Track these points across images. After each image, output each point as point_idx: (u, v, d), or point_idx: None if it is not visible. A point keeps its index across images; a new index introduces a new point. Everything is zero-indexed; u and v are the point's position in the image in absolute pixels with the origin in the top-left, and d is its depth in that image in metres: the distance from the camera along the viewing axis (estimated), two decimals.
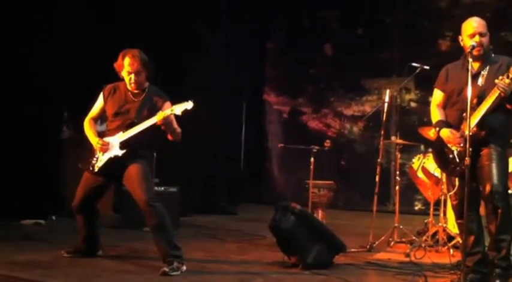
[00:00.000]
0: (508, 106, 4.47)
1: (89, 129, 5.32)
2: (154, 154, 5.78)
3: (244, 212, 9.88)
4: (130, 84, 5.17)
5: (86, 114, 9.11)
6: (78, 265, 5.22)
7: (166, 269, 4.83)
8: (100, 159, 5.17)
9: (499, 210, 4.36)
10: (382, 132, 6.63)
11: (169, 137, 5.12)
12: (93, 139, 5.21)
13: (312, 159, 7.42)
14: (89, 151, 5.26)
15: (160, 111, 4.96)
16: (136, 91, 5.23)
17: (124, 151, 5.07)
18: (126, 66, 5.13)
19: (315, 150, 7.47)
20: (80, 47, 8.58)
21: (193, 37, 9.29)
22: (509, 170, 4.79)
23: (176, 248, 5.06)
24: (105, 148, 5.13)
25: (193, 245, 6.35)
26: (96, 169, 5.19)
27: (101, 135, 5.31)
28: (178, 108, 4.91)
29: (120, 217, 7.82)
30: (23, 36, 7.84)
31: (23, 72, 7.90)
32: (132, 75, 5.13)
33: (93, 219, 5.53)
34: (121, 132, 5.11)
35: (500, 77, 4.34)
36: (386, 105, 6.65)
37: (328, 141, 7.59)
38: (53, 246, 6.07)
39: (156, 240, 5.10)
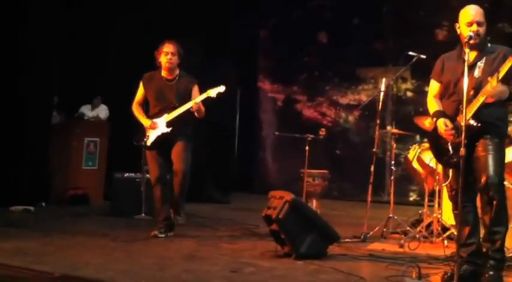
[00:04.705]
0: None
1: (138, 114, 6.25)
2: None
3: (237, 201, 9.83)
4: (166, 63, 6.08)
5: (76, 99, 9.13)
6: (67, 253, 5.18)
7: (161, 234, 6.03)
8: (150, 136, 6.11)
9: (494, 202, 4.30)
10: (378, 122, 6.56)
11: (196, 115, 6.04)
12: (145, 121, 6.16)
13: (307, 148, 7.36)
14: (142, 130, 6.18)
15: (194, 98, 5.98)
16: (170, 77, 6.17)
17: (170, 129, 6.03)
18: (165, 48, 6.08)
19: (309, 139, 7.40)
20: (72, 33, 8.51)
21: (188, 25, 9.23)
22: (506, 161, 4.73)
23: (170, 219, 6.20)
24: (153, 127, 6.09)
25: (185, 234, 6.31)
26: (149, 144, 6.13)
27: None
28: (213, 92, 5.98)
29: (110, 205, 7.76)
30: (20, 22, 7.77)
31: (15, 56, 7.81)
32: (169, 55, 6.06)
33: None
34: (166, 114, 6.06)
35: (489, 78, 4.27)
36: (382, 94, 6.57)
37: (323, 129, 7.52)
38: (42, 233, 6.03)
39: (169, 203, 6.15)
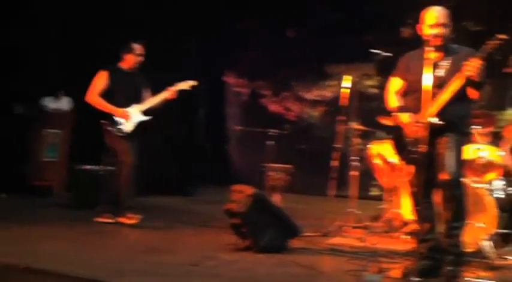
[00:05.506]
0: (471, 92, 4.46)
1: (103, 103, 6.42)
2: None
3: (202, 193, 9.79)
4: (137, 63, 6.59)
5: (40, 91, 8.98)
6: (28, 244, 5.13)
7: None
8: (127, 124, 6.39)
9: (454, 198, 4.38)
10: (342, 118, 6.62)
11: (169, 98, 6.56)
12: (117, 110, 6.40)
13: (270, 142, 7.38)
14: (114, 118, 6.37)
15: (172, 88, 6.49)
16: (132, 72, 6.60)
17: (150, 117, 6.49)
18: (138, 51, 6.57)
19: (272, 134, 7.44)
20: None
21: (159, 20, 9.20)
22: (465, 159, 4.81)
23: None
24: (127, 116, 6.38)
25: (148, 225, 6.29)
26: (128, 131, 6.38)
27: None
28: (185, 85, 6.55)
29: (72, 196, 7.68)
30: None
31: None
32: (141, 56, 6.59)
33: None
34: (135, 105, 6.46)
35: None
36: (346, 90, 6.62)
37: (287, 126, 7.56)
38: (3, 224, 5.95)
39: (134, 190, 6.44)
